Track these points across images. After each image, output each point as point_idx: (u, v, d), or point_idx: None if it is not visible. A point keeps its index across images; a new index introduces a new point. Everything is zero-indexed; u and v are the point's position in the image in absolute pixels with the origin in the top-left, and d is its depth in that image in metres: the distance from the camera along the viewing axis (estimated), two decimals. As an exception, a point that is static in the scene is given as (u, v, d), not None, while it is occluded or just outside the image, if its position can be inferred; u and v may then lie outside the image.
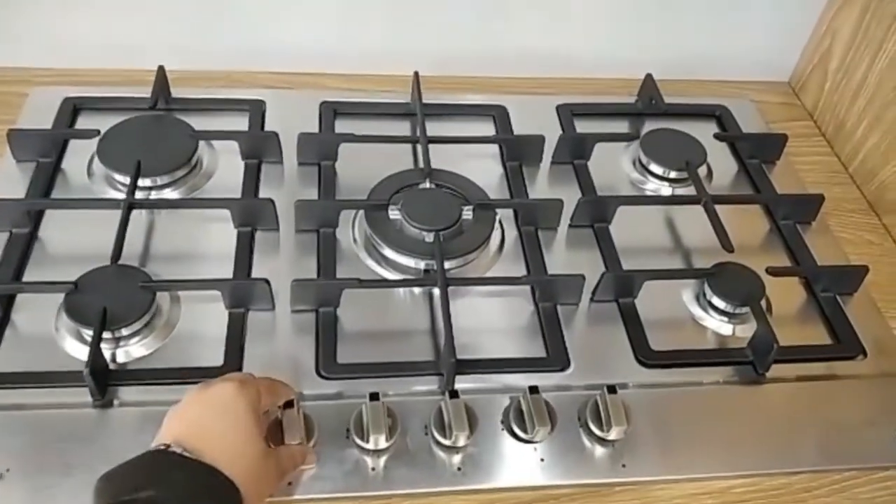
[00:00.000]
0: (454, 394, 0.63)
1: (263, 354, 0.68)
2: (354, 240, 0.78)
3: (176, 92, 0.90)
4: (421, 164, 0.83)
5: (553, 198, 0.80)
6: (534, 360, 0.70)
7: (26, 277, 0.72)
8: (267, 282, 0.69)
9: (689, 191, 0.85)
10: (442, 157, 0.83)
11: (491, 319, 0.73)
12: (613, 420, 0.62)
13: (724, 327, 0.74)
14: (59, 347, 0.67)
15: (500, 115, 0.93)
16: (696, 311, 0.75)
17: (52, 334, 0.68)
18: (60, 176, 0.81)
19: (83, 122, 0.87)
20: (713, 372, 0.71)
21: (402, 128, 0.91)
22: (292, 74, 0.97)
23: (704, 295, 0.75)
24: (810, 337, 0.75)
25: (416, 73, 0.92)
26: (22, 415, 0.62)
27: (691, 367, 0.71)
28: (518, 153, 0.87)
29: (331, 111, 0.91)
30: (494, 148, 0.89)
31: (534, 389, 0.63)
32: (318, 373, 0.67)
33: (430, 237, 0.76)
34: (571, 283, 0.73)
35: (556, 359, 0.70)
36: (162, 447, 0.51)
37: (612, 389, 0.64)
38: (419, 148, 0.85)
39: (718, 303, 0.74)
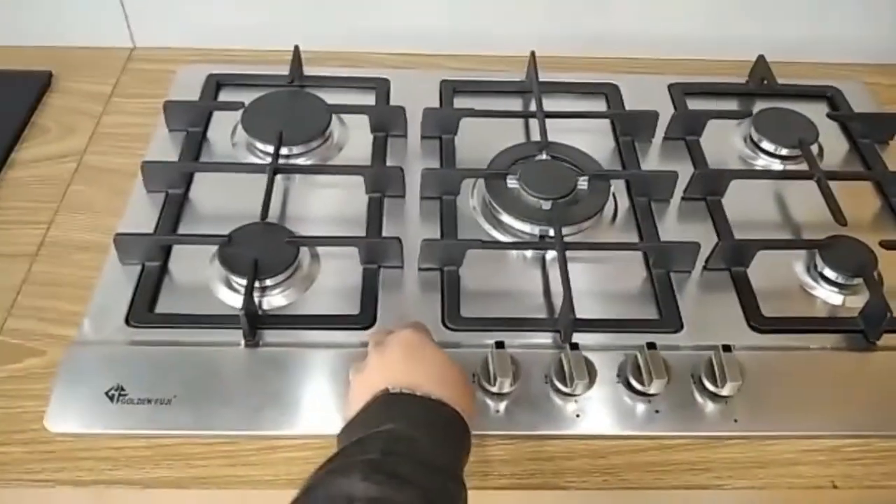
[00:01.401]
0: (574, 346, 0.67)
1: (395, 306, 0.73)
2: (474, 207, 0.83)
3: (307, 70, 0.97)
4: (537, 138, 0.87)
5: (667, 170, 0.83)
6: (647, 321, 0.73)
7: (181, 232, 0.80)
8: (399, 240, 0.75)
9: (801, 168, 0.86)
10: (556, 132, 0.87)
11: (605, 283, 0.77)
12: (728, 376, 0.65)
13: (834, 297, 0.76)
14: (212, 294, 0.74)
15: (611, 93, 0.97)
16: (808, 281, 0.77)
17: (206, 282, 0.75)
18: (206, 144, 0.89)
19: (225, 97, 0.95)
20: (823, 338, 0.73)
21: (517, 104, 0.96)
22: (412, 55, 1.02)
23: (815, 266, 0.77)
24: (924, 310, 0.76)
25: (533, 53, 0.96)
26: (183, 350, 0.69)
27: (801, 332, 0.73)
28: (631, 128, 0.91)
29: (450, 89, 0.96)
30: (607, 124, 0.93)
31: (651, 345, 0.67)
32: (444, 324, 0.72)
33: (546, 205, 0.80)
34: (686, 249, 0.76)
35: (669, 321, 0.73)
36: (385, 391, 0.56)
37: (727, 348, 0.67)
38: (534, 123, 0.89)
39: (830, 273, 0.76)
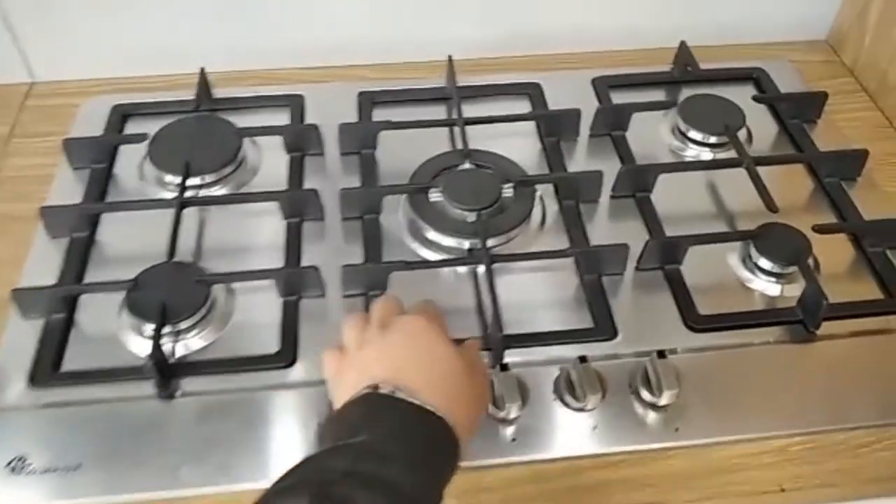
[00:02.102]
0: (504, 367, 0.64)
1: (319, 339, 0.69)
2: (399, 224, 0.80)
3: (218, 93, 0.92)
4: (459, 146, 0.84)
5: (592, 170, 0.80)
6: (581, 331, 0.70)
7: (87, 279, 0.75)
8: (315, 269, 0.71)
9: (730, 155, 0.84)
10: (480, 138, 0.84)
11: (536, 294, 0.74)
12: (664, 384, 0.63)
13: (771, 288, 0.74)
14: (122, 344, 0.69)
15: (534, 93, 0.94)
16: (743, 273, 0.75)
17: (115, 332, 0.70)
18: (113, 181, 0.84)
19: (132, 128, 0.90)
20: (763, 333, 0.70)
21: (439, 112, 0.92)
22: (328, 68, 0.98)
23: (750, 257, 0.75)
24: (861, 292, 0.74)
25: (450, 58, 0.93)
26: (92, 409, 0.65)
27: (740, 328, 0.71)
28: (555, 128, 0.88)
29: (368, 101, 0.92)
30: (532, 125, 0.90)
31: (583, 359, 0.64)
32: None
33: (472, 217, 0.77)
34: (615, 252, 0.73)
35: (603, 328, 0.70)
36: (372, 388, 0.51)
37: (661, 354, 0.64)
38: (457, 130, 0.86)
39: (765, 264, 0.74)
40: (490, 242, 0.75)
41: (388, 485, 0.44)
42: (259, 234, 0.79)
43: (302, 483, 0.44)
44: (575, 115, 0.87)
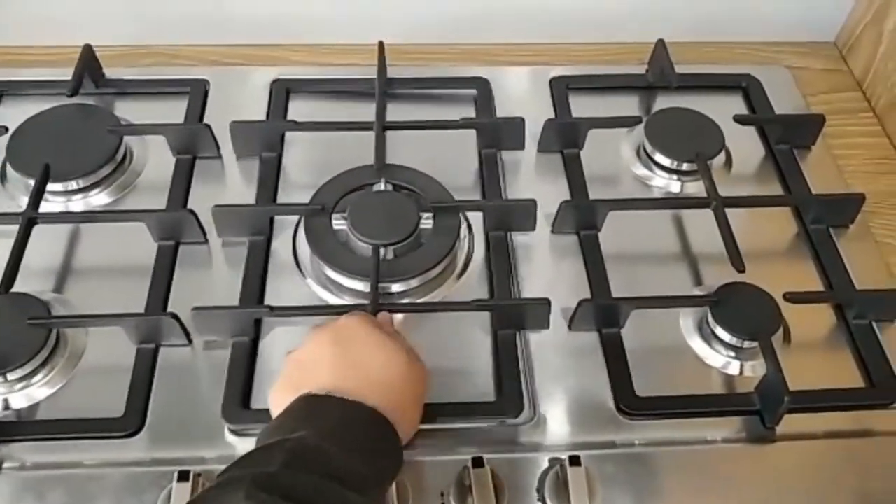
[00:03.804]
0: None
1: (173, 400, 0.58)
2: (295, 252, 0.67)
3: (111, 72, 0.79)
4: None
5: (525, 198, 0.67)
6: (481, 405, 0.58)
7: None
8: (174, 316, 0.59)
9: (700, 188, 0.70)
10: (410, 145, 0.72)
11: (446, 356, 0.61)
12: (574, 499, 0.51)
13: (730, 365, 0.61)
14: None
15: (482, 92, 0.79)
16: (697, 343, 0.62)
17: (-63, 377, 0.59)
18: (-30, 180, 0.72)
19: (3, 112, 0.77)
20: (713, 425, 0.58)
21: (369, 109, 0.78)
22: (246, 46, 0.84)
23: (707, 323, 0.62)
24: (837, 377, 0.61)
25: (381, 43, 0.78)
26: None
27: (685, 416, 0.58)
28: (495, 139, 0.74)
29: (283, 90, 0.79)
30: (471, 132, 0.76)
31: (477, 461, 0.52)
32: (224, 416, 0.57)
33: (381, 252, 0.64)
34: (536, 308, 0.60)
35: (507, 404, 0.58)
36: (308, 393, 0.50)
37: (574, 460, 0.52)
38: (375, 136, 0.72)
39: (723, 334, 0.61)
40: (398, 287, 0.63)
41: (328, 473, 0.44)
42: (135, 252, 0.66)
43: (240, 477, 0.43)
44: (518, 125, 0.73)
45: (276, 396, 0.52)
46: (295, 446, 0.45)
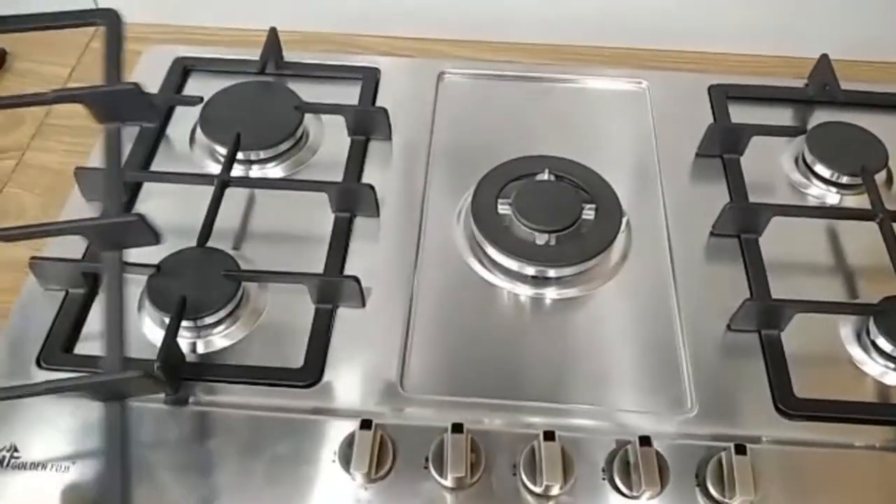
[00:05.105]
0: (549, 435, 0.54)
1: (349, 357, 0.62)
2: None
3: (290, 56, 0.84)
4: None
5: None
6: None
7: (119, 251, 0.69)
8: (356, 279, 0.63)
9: (863, 201, 0.71)
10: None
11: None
12: (738, 488, 0.52)
13: (889, 376, 0.61)
14: (141, 332, 0.64)
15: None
16: (856, 351, 0.63)
17: (136, 316, 0.64)
18: (164, 143, 0.78)
19: (193, 85, 0.83)
20: (869, 432, 0.58)
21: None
22: (413, 40, 0.89)
23: (868, 333, 0.62)
24: None
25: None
26: (93, 404, 0.58)
27: (843, 422, 0.59)
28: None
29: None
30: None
31: (645, 440, 0.54)
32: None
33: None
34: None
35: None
36: None
37: (740, 449, 0.53)
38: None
39: (884, 344, 0.61)
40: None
41: None
42: (309, 222, 0.71)
43: None
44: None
45: None
46: None
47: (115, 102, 0.60)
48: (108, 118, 0.61)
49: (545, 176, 0.71)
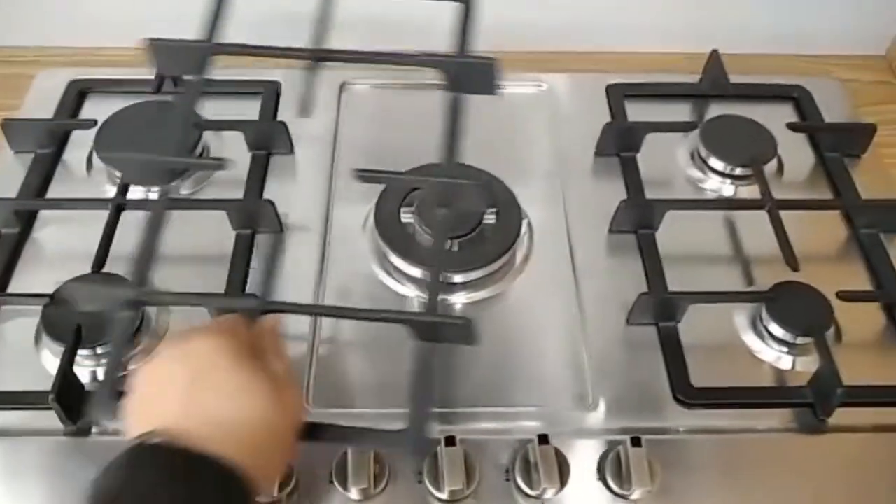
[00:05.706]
0: (450, 440, 0.55)
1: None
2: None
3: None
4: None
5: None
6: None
7: (15, 282, 0.67)
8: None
9: (754, 191, 0.73)
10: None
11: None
12: (635, 478, 0.53)
13: (783, 360, 0.63)
14: (40, 363, 0.62)
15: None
16: (750, 338, 0.64)
17: (33, 348, 0.63)
18: (61, 168, 0.76)
19: (89, 108, 0.82)
20: (767, 415, 0.60)
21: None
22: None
23: (761, 320, 0.64)
24: (889, 374, 0.63)
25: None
26: (-3, 441, 0.58)
27: (740, 408, 0.61)
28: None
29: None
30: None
31: (543, 439, 0.55)
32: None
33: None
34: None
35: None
36: (143, 439, 0.43)
37: (636, 441, 0.54)
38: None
39: (776, 330, 0.63)
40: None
41: None
42: (212, 241, 0.70)
43: None
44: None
45: (127, 422, 0.46)
46: None
47: None
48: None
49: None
